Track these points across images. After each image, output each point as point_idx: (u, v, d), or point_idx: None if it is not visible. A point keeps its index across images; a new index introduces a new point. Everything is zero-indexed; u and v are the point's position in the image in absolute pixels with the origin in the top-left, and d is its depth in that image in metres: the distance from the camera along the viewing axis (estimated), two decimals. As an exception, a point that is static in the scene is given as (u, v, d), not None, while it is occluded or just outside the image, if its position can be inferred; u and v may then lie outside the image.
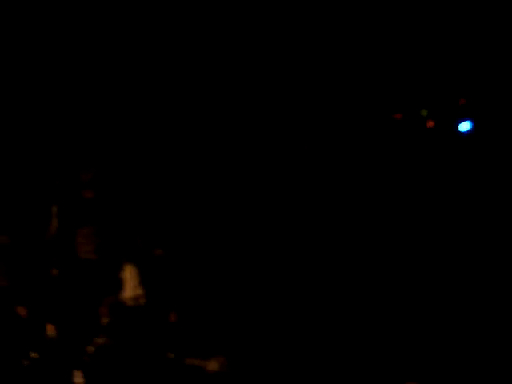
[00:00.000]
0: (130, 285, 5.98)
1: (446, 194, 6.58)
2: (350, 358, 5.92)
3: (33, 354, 5.73)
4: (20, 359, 5.72)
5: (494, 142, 6.63)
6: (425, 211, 6.55)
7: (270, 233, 6.49)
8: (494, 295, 6.15)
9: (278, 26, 6.71)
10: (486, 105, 6.69)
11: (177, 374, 5.73)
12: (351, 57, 6.75)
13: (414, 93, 6.75)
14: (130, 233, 6.18)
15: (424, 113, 6.69)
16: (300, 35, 6.73)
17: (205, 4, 6.74)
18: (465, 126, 6.66)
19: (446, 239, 6.43)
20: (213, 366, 5.74)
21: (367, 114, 6.80)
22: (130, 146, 6.65)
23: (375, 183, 6.67)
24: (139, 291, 6.00)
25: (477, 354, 5.84)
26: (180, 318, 5.97)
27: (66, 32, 6.67)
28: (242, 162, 6.72)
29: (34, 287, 6.01)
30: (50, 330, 5.82)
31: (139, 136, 6.69)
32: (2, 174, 6.49)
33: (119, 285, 5.91)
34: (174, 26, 6.75)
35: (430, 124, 6.71)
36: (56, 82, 6.71)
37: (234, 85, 6.79)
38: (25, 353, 5.75)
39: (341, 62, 6.76)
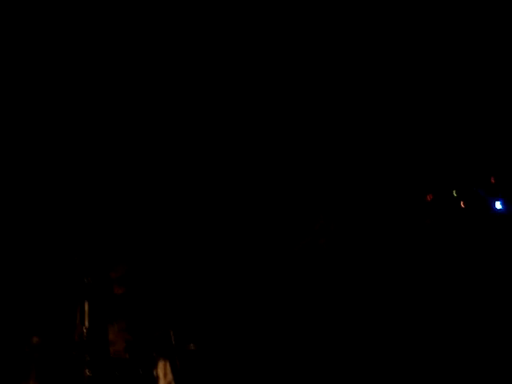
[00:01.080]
0: (164, 383, 5.86)
1: (480, 273, 6.49)
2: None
3: None
4: None
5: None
6: (460, 289, 6.46)
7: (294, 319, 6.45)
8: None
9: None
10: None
11: None
12: (383, 142, 6.79)
13: (444, 174, 6.75)
14: (162, 328, 6.10)
15: (455, 193, 6.66)
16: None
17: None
18: (497, 205, 6.61)
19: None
20: None
21: (398, 194, 6.78)
22: (159, 242, 6.66)
23: (409, 263, 6.61)
24: (173, 389, 5.89)
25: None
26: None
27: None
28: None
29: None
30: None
31: (167, 231, 6.71)
32: (33, 273, 6.49)
33: (153, 383, 5.79)
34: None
35: (462, 204, 6.67)
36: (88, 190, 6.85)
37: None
38: None
39: (374, 147, 6.81)
